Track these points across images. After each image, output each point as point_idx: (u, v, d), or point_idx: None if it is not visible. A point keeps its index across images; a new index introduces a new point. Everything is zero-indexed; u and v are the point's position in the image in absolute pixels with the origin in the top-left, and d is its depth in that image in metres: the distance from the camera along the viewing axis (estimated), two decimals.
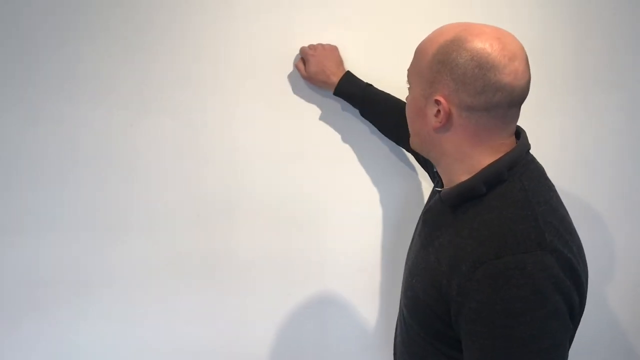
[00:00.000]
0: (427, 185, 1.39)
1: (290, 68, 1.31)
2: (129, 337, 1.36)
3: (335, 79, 1.25)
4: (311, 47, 1.27)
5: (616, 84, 1.39)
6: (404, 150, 1.34)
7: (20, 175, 1.27)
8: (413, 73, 0.85)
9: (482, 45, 0.76)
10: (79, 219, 1.30)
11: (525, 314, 0.73)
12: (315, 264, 1.38)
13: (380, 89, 1.29)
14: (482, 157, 0.82)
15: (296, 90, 1.32)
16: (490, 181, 0.80)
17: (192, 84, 1.29)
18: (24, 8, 1.22)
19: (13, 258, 1.29)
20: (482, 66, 0.76)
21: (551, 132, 1.38)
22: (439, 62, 0.79)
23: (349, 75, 1.26)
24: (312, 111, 1.33)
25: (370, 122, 1.30)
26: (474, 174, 0.82)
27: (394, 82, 1.32)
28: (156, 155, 1.30)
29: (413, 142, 0.91)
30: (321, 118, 1.34)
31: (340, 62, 1.29)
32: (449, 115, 0.80)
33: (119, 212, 1.31)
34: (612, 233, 1.44)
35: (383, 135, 1.32)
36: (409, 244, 1.40)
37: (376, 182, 1.37)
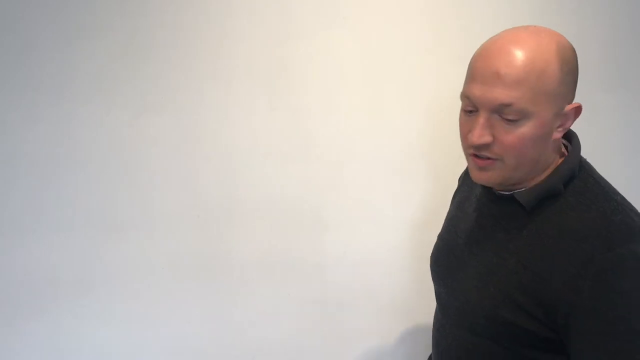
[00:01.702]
0: (427, 185, 1.39)
1: (289, 67, 1.31)
2: (129, 337, 1.36)
3: None
4: None
5: (616, 84, 1.39)
6: (406, 151, 1.34)
7: (19, 175, 1.27)
8: (533, 101, 0.75)
9: (568, 42, 0.78)
10: (79, 219, 1.30)
11: None
12: (315, 264, 1.38)
13: (380, 88, 1.29)
14: (553, 155, 0.82)
15: (296, 91, 1.32)
16: (567, 180, 0.80)
17: (192, 84, 1.29)
18: (24, 9, 1.22)
19: (13, 258, 1.29)
20: (577, 60, 0.79)
21: None
22: (567, 73, 0.76)
23: None
24: (312, 111, 1.33)
25: None
26: (548, 173, 0.82)
27: (394, 82, 1.32)
28: (156, 155, 1.30)
29: (511, 175, 0.81)
30: (321, 118, 1.34)
31: None
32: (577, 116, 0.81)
33: (119, 212, 1.31)
34: None
35: (383, 135, 1.32)
36: (409, 243, 1.40)
37: (376, 182, 1.37)
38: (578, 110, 0.79)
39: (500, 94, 0.74)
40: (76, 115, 1.26)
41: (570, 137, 0.87)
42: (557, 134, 0.79)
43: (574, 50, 0.77)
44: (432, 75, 1.32)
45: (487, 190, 0.89)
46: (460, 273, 0.90)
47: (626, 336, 0.71)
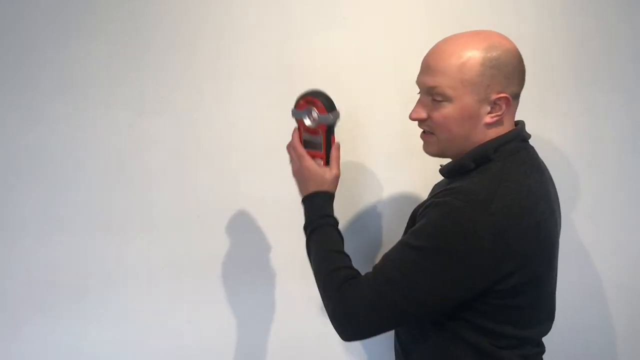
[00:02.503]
0: (427, 185, 1.38)
1: (289, 67, 1.31)
2: (129, 337, 1.36)
3: None
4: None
5: (616, 84, 1.39)
6: (407, 150, 1.34)
7: (20, 176, 1.27)
8: (454, 87, 0.92)
9: (510, 44, 0.93)
10: (79, 219, 1.30)
11: (430, 237, 0.87)
12: None
13: (380, 88, 1.28)
14: (489, 137, 0.96)
15: (296, 91, 1.32)
16: (478, 159, 0.93)
17: (191, 85, 1.29)
18: (25, 9, 1.22)
19: (13, 258, 1.29)
20: (519, 60, 0.94)
21: (551, 132, 1.38)
22: (491, 67, 0.90)
23: None
24: None
25: None
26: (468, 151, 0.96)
27: (395, 82, 1.32)
28: (156, 155, 1.30)
29: (445, 148, 0.99)
30: None
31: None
32: (509, 106, 0.93)
33: (119, 212, 1.31)
34: (612, 232, 1.44)
35: (383, 136, 1.32)
36: None
37: (377, 181, 1.37)
38: (506, 100, 0.92)
39: (428, 79, 0.94)
40: (76, 115, 1.26)
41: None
42: (489, 119, 0.93)
43: (509, 52, 0.92)
44: None
45: None
46: None
47: (402, 247, 0.92)
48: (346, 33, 1.31)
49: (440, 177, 1.06)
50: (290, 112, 1.09)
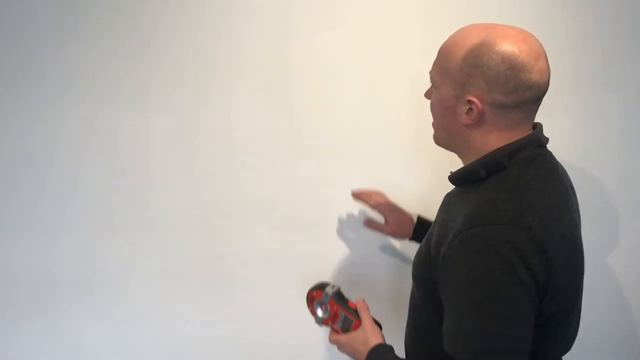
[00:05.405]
0: (428, 184, 1.39)
1: (289, 67, 1.31)
2: (129, 337, 1.36)
3: (410, 234, 1.27)
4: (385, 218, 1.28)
5: (616, 84, 1.39)
6: (407, 150, 1.34)
7: (20, 176, 1.27)
8: (439, 73, 0.89)
9: (511, 47, 0.82)
10: (79, 219, 1.30)
11: (487, 279, 0.78)
12: (316, 264, 1.38)
13: (380, 88, 1.28)
14: (480, 140, 0.89)
15: (296, 90, 1.32)
16: (490, 167, 0.87)
17: (192, 84, 1.29)
18: (26, 9, 1.22)
19: (13, 258, 1.29)
20: (514, 67, 0.82)
21: (551, 132, 1.37)
22: (470, 66, 0.84)
23: (420, 223, 1.27)
24: (312, 111, 1.33)
25: None
26: (478, 159, 0.89)
27: (395, 82, 1.32)
28: (156, 155, 1.30)
29: (438, 137, 0.96)
30: (321, 118, 1.34)
31: (408, 218, 1.28)
32: (482, 113, 0.85)
33: (119, 212, 1.31)
34: (611, 232, 1.44)
35: (383, 135, 1.32)
36: (411, 242, 1.40)
37: (377, 181, 1.37)
38: (477, 108, 0.84)
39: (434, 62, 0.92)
40: (76, 115, 1.27)
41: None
42: (466, 120, 0.87)
43: (503, 55, 0.82)
44: None
45: None
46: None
47: (465, 305, 0.81)
48: (347, 33, 1.31)
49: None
50: (315, 321, 1.12)
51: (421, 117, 1.28)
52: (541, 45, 0.86)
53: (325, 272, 1.39)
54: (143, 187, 1.31)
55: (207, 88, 1.30)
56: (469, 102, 0.85)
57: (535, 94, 0.85)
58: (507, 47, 0.82)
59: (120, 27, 1.25)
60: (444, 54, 0.88)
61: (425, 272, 0.92)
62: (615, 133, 1.41)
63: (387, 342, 1.00)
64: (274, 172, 1.34)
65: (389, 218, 1.27)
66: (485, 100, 0.84)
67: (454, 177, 0.94)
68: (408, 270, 1.40)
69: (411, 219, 1.27)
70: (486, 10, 1.33)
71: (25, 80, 1.24)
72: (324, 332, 1.40)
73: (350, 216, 1.38)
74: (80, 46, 1.24)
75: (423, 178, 1.38)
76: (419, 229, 1.25)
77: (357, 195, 1.29)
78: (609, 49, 1.38)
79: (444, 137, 0.94)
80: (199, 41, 1.28)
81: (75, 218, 1.30)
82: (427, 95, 0.96)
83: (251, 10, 1.28)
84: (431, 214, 1.37)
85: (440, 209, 1.00)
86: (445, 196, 1.02)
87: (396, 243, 1.40)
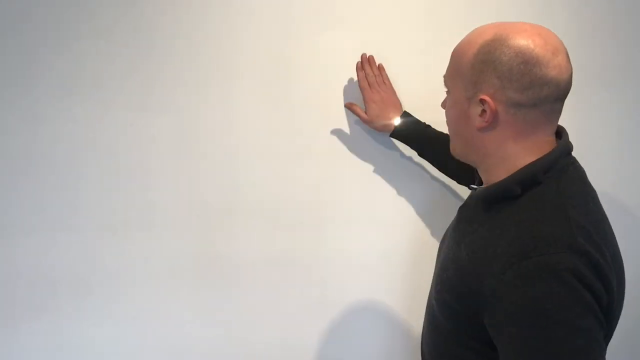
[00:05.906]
0: (428, 184, 1.39)
1: (289, 67, 1.31)
2: (129, 337, 1.36)
3: (395, 121, 1.24)
4: (373, 89, 1.24)
5: (616, 84, 1.39)
6: (407, 150, 1.34)
7: (20, 176, 1.27)
8: (453, 77, 0.85)
9: (525, 41, 0.77)
10: (79, 219, 1.30)
11: (559, 312, 0.72)
12: (316, 265, 1.38)
13: None
14: (523, 156, 0.82)
15: (296, 90, 1.32)
16: (525, 183, 0.80)
17: (192, 84, 1.29)
18: (26, 9, 1.22)
19: (13, 258, 1.29)
20: (528, 62, 0.77)
21: None
22: (481, 62, 0.79)
23: (407, 117, 1.24)
24: (312, 111, 1.33)
25: (430, 162, 1.27)
26: (511, 173, 0.82)
27: (394, 82, 1.32)
28: (156, 155, 1.30)
29: (454, 146, 0.91)
30: (321, 118, 1.34)
31: (399, 103, 1.27)
32: (495, 114, 0.80)
33: (119, 212, 1.31)
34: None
35: (383, 135, 1.32)
36: (411, 243, 1.40)
37: (377, 181, 1.37)
38: (490, 107, 0.80)
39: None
40: (76, 115, 1.27)
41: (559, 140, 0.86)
42: (480, 123, 0.82)
43: (516, 50, 0.77)
44: (432, 74, 1.32)
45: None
46: (438, 260, 0.99)
47: (539, 344, 0.73)
48: (346, 33, 1.31)
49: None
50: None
51: (421, 117, 1.29)
52: (560, 42, 0.80)
53: (325, 272, 1.39)
54: (143, 187, 1.31)
55: (207, 88, 1.30)
56: (482, 101, 0.80)
57: (554, 92, 0.79)
58: (521, 40, 0.77)
59: (120, 27, 1.25)
60: (458, 54, 0.84)
61: (459, 305, 0.84)
62: (615, 133, 1.41)
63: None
64: (274, 172, 1.34)
65: (375, 97, 1.24)
66: (499, 98, 0.79)
67: (485, 197, 0.85)
68: (410, 270, 1.41)
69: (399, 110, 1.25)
70: (486, 10, 1.33)
71: (26, 80, 1.24)
72: (324, 332, 1.40)
73: (350, 216, 1.38)
74: (81, 46, 1.24)
75: (424, 178, 1.38)
76: (406, 125, 1.23)
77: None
78: (609, 49, 1.38)
79: (460, 145, 0.89)
80: (199, 41, 1.28)
81: (75, 218, 1.30)
82: (443, 105, 0.92)
83: (251, 10, 1.28)
84: (434, 217, 1.38)
85: (457, 226, 0.93)
86: (462, 209, 0.95)
87: (399, 243, 1.40)
